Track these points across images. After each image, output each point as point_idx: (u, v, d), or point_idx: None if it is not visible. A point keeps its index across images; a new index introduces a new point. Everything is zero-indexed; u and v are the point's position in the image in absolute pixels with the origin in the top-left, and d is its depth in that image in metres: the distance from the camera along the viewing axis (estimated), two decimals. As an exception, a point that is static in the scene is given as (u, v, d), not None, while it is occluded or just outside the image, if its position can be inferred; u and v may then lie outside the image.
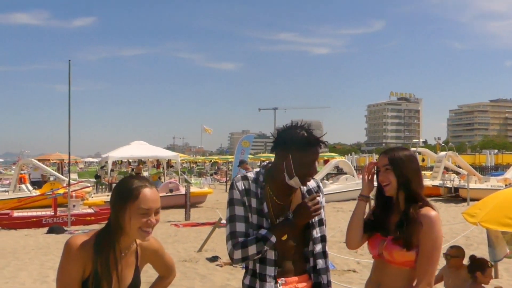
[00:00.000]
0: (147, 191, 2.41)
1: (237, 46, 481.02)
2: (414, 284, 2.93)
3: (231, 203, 2.86)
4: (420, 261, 2.88)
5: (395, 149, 3.09)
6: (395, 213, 3.03)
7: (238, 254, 2.78)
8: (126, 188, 2.41)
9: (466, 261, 6.17)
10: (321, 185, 3.16)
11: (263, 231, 2.78)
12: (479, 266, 5.65)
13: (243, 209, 2.83)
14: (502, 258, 6.68)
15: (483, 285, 5.66)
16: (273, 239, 2.77)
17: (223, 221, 11.95)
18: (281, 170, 2.84)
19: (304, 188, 3.00)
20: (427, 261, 2.87)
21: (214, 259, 9.95)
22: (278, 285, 2.83)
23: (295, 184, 2.86)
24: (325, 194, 3.23)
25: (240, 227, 2.81)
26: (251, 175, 2.94)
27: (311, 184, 3.04)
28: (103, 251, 2.40)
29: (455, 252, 6.22)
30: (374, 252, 3.05)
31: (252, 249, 2.76)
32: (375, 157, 64.71)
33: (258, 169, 3.01)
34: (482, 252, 9.90)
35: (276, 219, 2.87)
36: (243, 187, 2.87)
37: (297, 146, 2.78)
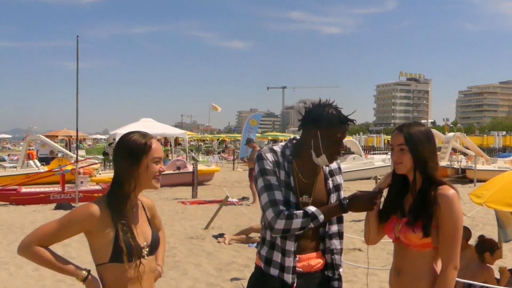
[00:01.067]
0: (155, 142, 2.63)
1: (249, 25, 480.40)
2: (436, 266, 2.79)
3: (263, 172, 2.81)
4: (443, 243, 2.72)
5: (411, 125, 2.85)
6: (410, 193, 2.86)
7: (281, 224, 2.70)
8: (137, 143, 2.56)
9: (473, 242, 6.19)
10: (341, 166, 3.15)
11: (312, 208, 2.76)
12: (488, 247, 5.68)
13: (276, 178, 2.80)
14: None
15: (488, 265, 5.70)
16: (321, 218, 2.74)
17: (230, 199, 12.03)
18: (309, 147, 2.84)
19: (327, 169, 3.00)
20: (450, 242, 2.70)
21: (220, 236, 10.01)
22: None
23: (322, 162, 2.86)
24: None
25: (279, 195, 2.76)
26: (277, 148, 2.92)
27: (333, 165, 3.02)
28: (122, 209, 2.55)
29: (466, 235, 6.25)
30: (391, 235, 2.92)
31: (297, 223, 2.70)
32: (383, 137, 64.48)
33: (283, 143, 2.98)
34: (488, 233, 9.91)
35: (299, 196, 2.86)
36: (273, 159, 2.85)
37: (327, 123, 2.77)
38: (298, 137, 3.02)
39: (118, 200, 2.55)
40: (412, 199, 2.83)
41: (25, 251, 2.44)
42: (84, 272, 2.49)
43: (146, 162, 2.55)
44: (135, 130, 2.74)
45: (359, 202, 2.78)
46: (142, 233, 2.62)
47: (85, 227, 2.48)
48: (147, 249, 2.61)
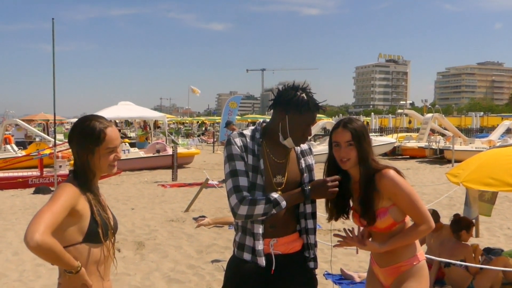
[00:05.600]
0: (110, 131, 2.55)
1: (228, 6, 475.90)
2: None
3: (230, 158, 2.83)
4: (408, 212, 2.94)
5: (352, 121, 2.97)
6: (356, 188, 3.02)
7: (243, 210, 2.73)
8: (91, 132, 2.50)
9: (448, 221, 6.29)
10: (312, 147, 3.18)
11: (275, 194, 2.77)
12: (464, 225, 5.82)
13: (243, 164, 2.81)
14: (475, 218, 7.00)
15: (465, 243, 5.82)
16: (284, 204, 2.76)
17: (210, 182, 12.01)
18: (276, 130, 2.86)
19: (298, 149, 3.02)
20: (413, 208, 2.91)
21: (200, 219, 10.02)
22: (270, 245, 2.86)
23: (288, 145, 2.88)
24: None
25: (243, 181, 2.77)
26: (247, 132, 2.93)
27: (303, 146, 3.06)
28: (91, 187, 2.54)
29: (435, 218, 6.37)
30: (361, 225, 3.09)
31: (259, 209, 2.72)
32: (362, 119, 64.75)
33: (253, 127, 2.99)
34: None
35: (273, 177, 2.88)
36: (241, 143, 2.85)
37: (296, 108, 2.78)
38: (268, 120, 3.04)
39: (85, 180, 2.51)
40: (359, 193, 2.98)
41: (41, 241, 2.16)
42: (78, 262, 2.39)
43: (99, 153, 2.51)
44: (93, 114, 2.64)
45: (320, 189, 2.85)
46: (110, 218, 2.62)
47: (73, 205, 2.39)
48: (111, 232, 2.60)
